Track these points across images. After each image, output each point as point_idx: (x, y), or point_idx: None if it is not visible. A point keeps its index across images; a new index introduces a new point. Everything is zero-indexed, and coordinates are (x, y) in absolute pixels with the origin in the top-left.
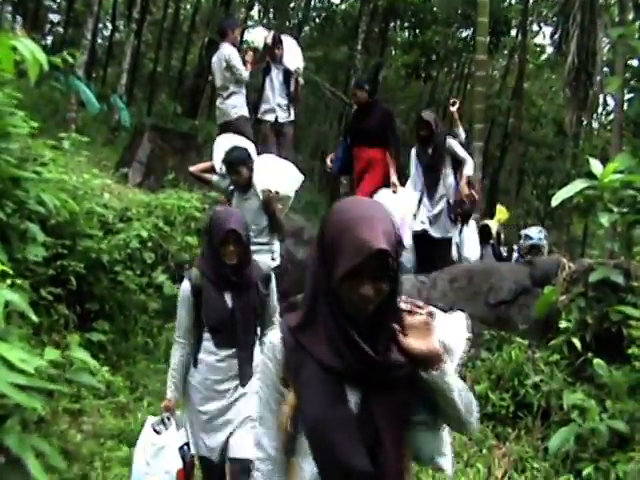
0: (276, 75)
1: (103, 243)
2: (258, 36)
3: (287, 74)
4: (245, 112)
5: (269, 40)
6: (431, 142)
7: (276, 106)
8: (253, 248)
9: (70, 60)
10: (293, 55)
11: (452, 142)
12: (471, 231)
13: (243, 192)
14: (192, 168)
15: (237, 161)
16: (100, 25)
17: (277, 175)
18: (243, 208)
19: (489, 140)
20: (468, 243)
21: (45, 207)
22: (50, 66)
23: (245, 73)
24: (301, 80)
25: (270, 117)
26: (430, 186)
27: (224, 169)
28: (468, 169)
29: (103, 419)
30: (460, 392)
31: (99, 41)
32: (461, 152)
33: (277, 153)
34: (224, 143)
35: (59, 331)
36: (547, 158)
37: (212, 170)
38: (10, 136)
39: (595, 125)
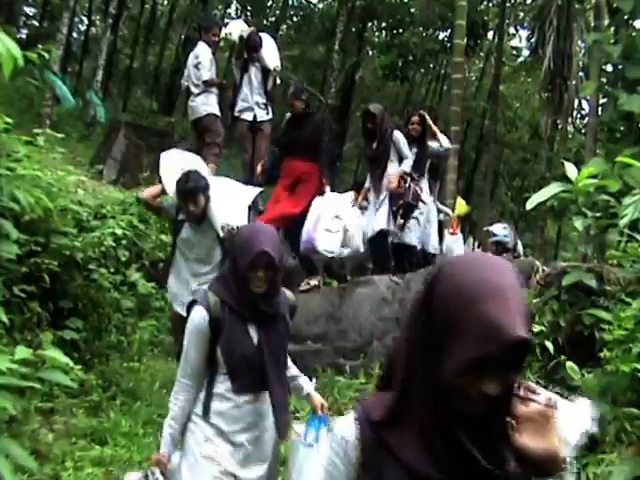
0: (254, 73)
1: (77, 241)
2: (235, 28)
3: (265, 72)
4: (215, 110)
5: (245, 34)
6: (376, 136)
7: (254, 105)
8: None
9: (46, 56)
10: (271, 53)
11: (398, 136)
12: (457, 244)
13: (197, 224)
14: (142, 195)
15: (194, 190)
16: (76, 19)
17: (234, 204)
18: (197, 242)
19: (465, 142)
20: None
21: (19, 204)
22: (25, 61)
23: (205, 75)
24: (277, 79)
25: (248, 116)
26: (375, 181)
27: (176, 198)
28: (404, 165)
29: (75, 418)
30: None
31: (75, 35)
32: (404, 149)
33: (253, 152)
34: (171, 163)
35: (32, 329)
36: (522, 160)
37: (163, 193)
38: None
39: (570, 129)
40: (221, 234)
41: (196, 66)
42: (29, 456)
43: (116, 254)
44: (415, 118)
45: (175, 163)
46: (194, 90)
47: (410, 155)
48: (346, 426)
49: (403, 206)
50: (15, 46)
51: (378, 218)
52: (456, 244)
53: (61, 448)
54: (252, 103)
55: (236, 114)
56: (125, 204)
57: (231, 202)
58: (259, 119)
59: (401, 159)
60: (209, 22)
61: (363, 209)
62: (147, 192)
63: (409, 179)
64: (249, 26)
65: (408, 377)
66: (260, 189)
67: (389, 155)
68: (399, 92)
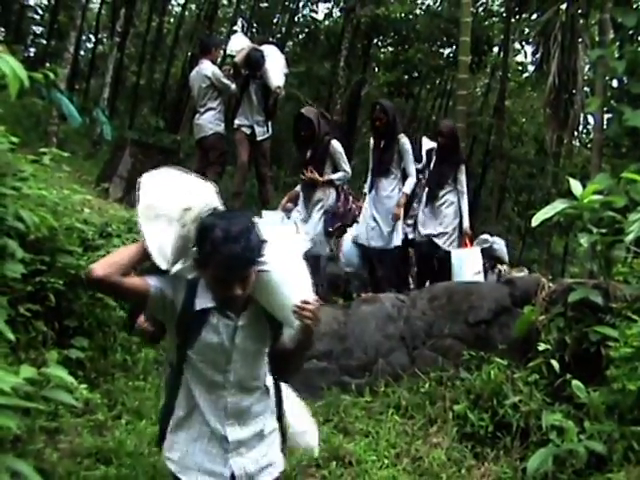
0: (254, 91)
1: (83, 259)
2: (237, 44)
3: (267, 89)
4: (221, 129)
5: (238, 56)
6: (311, 142)
7: (254, 123)
8: None
9: (51, 76)
10: (275, 70)
11: (336, 146)
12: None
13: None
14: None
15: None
16: (83, 37)
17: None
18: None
19: (470, 157)
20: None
21: (24, 223)
22: (31, 80)
23: (232, 86)
24: (282, 93)
25: (247, 130)
26: (306, 190)
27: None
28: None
29: (80, 437)
30: None
31: (82, 53)
32: (343, 162)
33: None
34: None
35: (37, 348)
36: (528, 176)
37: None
38: None
39: (575, 144)
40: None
41: (210, 86)
42: (35, 475)
43: None
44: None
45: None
46: (200, 109)
47: (348, 169)
48: None
49: (340, 228)
50: (20, 67)
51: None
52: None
53: (66, 468)
54: (252, 121)
55: (235, 126)
56: (131, 222)
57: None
58: (258, 137)
59: (336, 170)
60: (218, 40)
61: (287, 211)
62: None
63: (350, 199)
64: (252, 42)
65: None
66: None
67: (324, 165)
68: (405, 108)
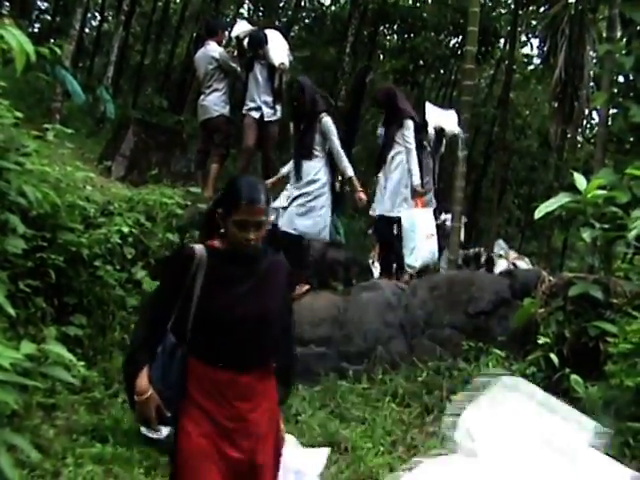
0: (260, 71)
1: (84, 237)
2: (240, 29)
3: (271, 69)
4: (226, 111)
5: (242, 34)
6: (303, 116)
7: (262, 104)
8: None
9: (57, 51)
10: (278, 49)
11: (327, 121)
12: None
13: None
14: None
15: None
16: (89, 15)
17: None
18: None
19: (473, 148)
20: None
21: (26, 199)
22: (37, 55)
23: (239, 68)
24: (285, 76)
25: (255, 115)
26: (297, 171)
27: None
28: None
29: (77, 414)
30: None
31: (87, 31)
32: (334, 137)
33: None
34: None
35: (36, 324)
36: (530, 168)
37: None
38: None
39: (579, 138)
40: None
41: (217, 68)
42: (32, 449)
43: (122, 251)
44: None
45: None
46: (205, 90)
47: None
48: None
49: None
50: (28, 41)
51: (285, 217)
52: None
53: (62, 444)
54: (260, 102)
55: (244, 112)
56: (132, 201)
57: None
58: (266, 118)
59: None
60: (225, 23)
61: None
62: None
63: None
64: (253, 26)
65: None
66: None
67: (314, 141)
68: (409, 96)
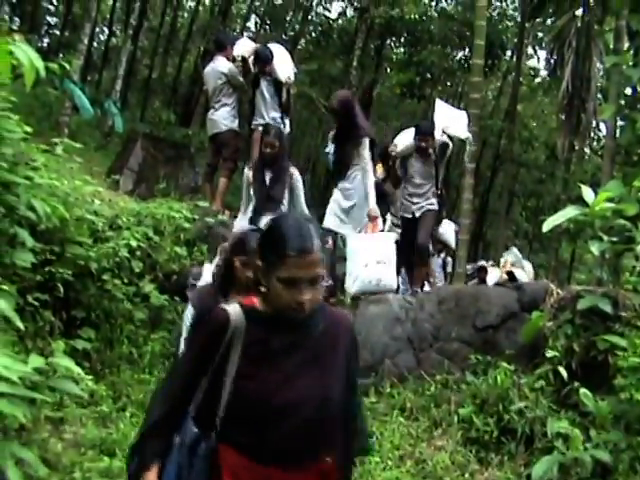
0: (266, 87)
1: (92, 251)
2: (243, 47)
3: (278, 85)
4: (235, 126)
5: (247, 54)
6: (274, 162)
7: (270, 120)
8: None
9: (67, 67)
10: (283, 64)
11: (297, 177)
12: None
13: None
14: None
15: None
16: (97, 29)
17: None
18: None
19: (480, 161)
20: None
21: (35, 213)
22: (47, 70)
23: (245, 82)
24: (292, 90)
25: None
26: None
27: None
28: None
29: (85, 428)
30: None
31: (95, 45)
32: (300, 196)
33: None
34: None
35: (44, 337)
36: (537, 181)
37: None
38: (3, 140)
39: (586, 150)
40: None
41: (226, 82)
42: (40, 463)
43: (130, 265)
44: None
45: None
46: (215, 105)
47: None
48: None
49: None
50: (37, 57)
51: None
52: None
53: (70, 458)
54: (268, 118)
55: (252, 127)
56: (140, 215)
57: None
58: None
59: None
60: (234, 38)
61: None
62: None
63: None
64: (256, 43)
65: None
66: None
67: (282, 194)
68: (416, 110)
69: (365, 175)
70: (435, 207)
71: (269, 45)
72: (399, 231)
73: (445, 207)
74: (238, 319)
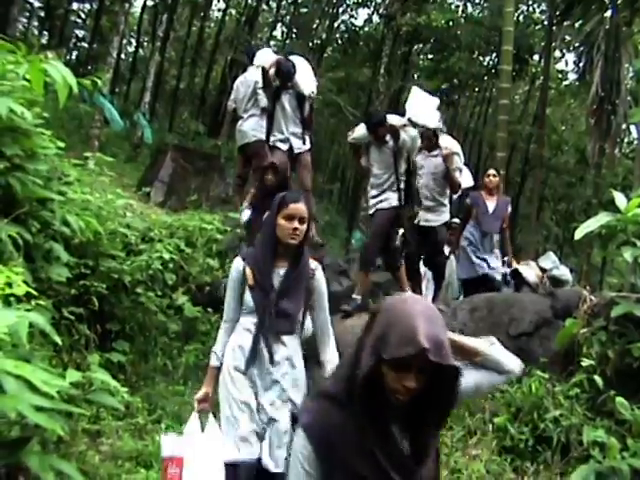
0: (288, 100)
1: (125, 264)
2: (265, 57)
3: (300, 98)
4: (262, 136)
5: (267, 64)
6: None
7: (290, 135)
8: None
9: (99, 82)
10: (306, 77)
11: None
12: None
13: None
14: None
15: None
16: (124, 41)
17: None
18: None
19: (509, 166)
20: None
21: (69, 227)
22: (79, 85)
23: (263, 102)
24: (314, 105)
25: (283, 146)
26: None
27: None
28: None
29: (121, 440)
30: None
31: (123, 57)
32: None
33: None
34: None
35: (80, 351)
36: (567, 185)
37: None
38: (38, 156)
39: (617, 153)
40: None
41: (255, 91)
42: (79, 475)
43: (163, 277)
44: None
45: None
46: (244, 115)
47: None
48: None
49: None
50: (70, 73)
51: None
52: None
53: (107, 470)
54: (288, 134)
55: (271, 143)
56: (172, 227)
57: None
58: (296, 150)
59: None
60: (262, 47)
61: None
62: None
63: None
64: (277, 55)
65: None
66: None
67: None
68: (445, 116)
69: None
70: (387, 205)
71: (291, 57)
72: None
73: (414, 202)
74: None
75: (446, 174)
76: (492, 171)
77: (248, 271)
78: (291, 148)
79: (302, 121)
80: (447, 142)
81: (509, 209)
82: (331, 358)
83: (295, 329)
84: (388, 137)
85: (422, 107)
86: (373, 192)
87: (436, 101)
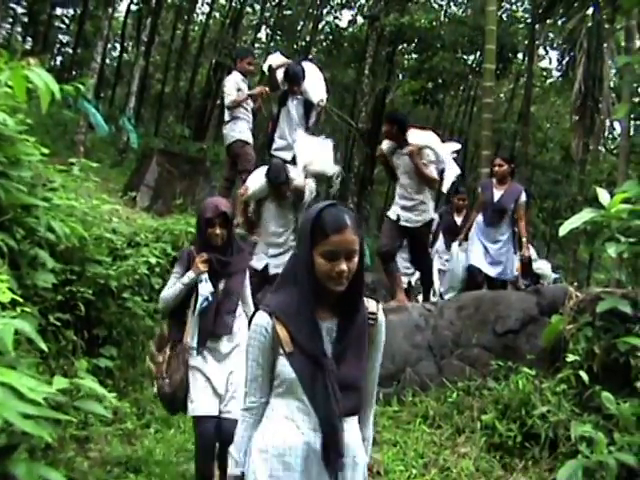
0: (295, 107)
1: (112, 269)
2: (275, 60)
3: (308, 106)
4: (243, 136)
5: (275, 65)
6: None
7: (293, 143)
8: None
9: (82, 88)
10: (316, 84)
11: None
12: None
13: None
14: None
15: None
16: (109, 46)
17: None
18: None
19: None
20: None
21: (55, 234)
22: (62, 91)
23: (228, 100)
24: (323, 114)
25: (286, 155)
26: None
27: None
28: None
29: (110, 446)
30: None
31: (107, 62)
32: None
33: None
34: None
35: (67, 357)
36: (553, 182)
37: None
38: (22, 163)
39: (601, 150)
40: None
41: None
42: None
43: (150, 282)
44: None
45: None
46: (227, 117)
47: None
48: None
49: None
50: (52, 80)
51: None
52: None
53: (96, 476)
54: (290, 141)
55: (272, 152)
56: (158, 232)
57: None
58: None
59: None
60: (243, 50)
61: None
62: None
63: None
64: (287, 58)
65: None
66: None
67: None
68: (429, 115)
69: None
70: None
71: (303, 63)
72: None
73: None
74: None
75: (416, 171)
76: (498, 160)
77: (282, 331)
78: (294, 157)
79: (307, 130)
80: (414, 137)
81: (522, 198)
82: (369, 436)
83: (361, 405)
84: (289, 193)
85: (316, 153)
86: (271, 250)
87: (328, 143)
